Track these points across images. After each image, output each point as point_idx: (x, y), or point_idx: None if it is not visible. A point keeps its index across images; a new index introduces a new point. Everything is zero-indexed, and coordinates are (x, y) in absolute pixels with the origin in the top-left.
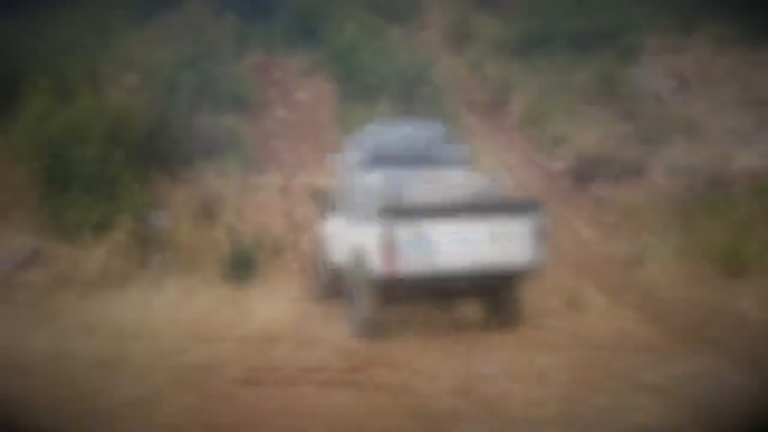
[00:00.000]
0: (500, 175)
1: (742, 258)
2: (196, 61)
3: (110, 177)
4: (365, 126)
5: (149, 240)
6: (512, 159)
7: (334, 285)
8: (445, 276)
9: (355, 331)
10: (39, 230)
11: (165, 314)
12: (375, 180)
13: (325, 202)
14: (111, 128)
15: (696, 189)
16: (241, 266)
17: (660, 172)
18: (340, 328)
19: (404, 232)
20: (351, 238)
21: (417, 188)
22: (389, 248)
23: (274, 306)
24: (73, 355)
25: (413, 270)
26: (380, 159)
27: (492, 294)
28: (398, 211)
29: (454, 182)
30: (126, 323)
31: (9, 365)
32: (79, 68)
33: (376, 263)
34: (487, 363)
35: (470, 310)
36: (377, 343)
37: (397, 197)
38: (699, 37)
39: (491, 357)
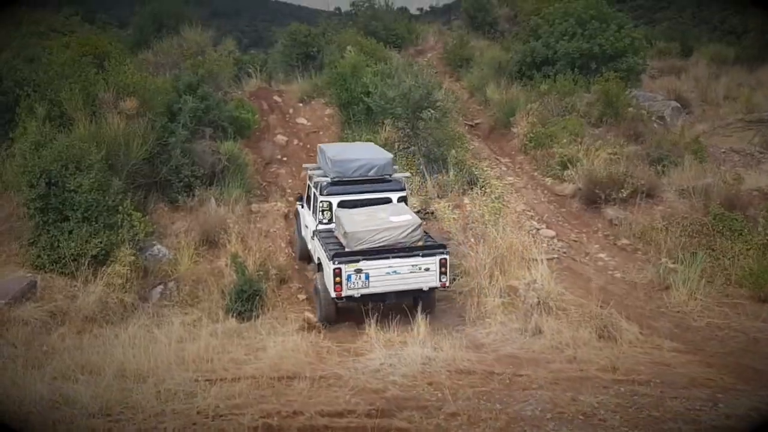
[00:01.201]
0: (424, 218)
1: None
2: (196, 86)
3: (109, 206)
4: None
5: (150, 271)
6: (519, 182)
7: (305, 253)
8: (377, 294)
9: (320, 319)
10: (35, 262)
11: (170, 352)
12: (333, 203)
13: (301, 195)
14: (109, 155)
15: (712, 210)
16: (247, 297)
17: (672, 193)
18: (356, 365)
19: (348, 268)
20: (315, 250)
21: (363, 220)
22: (338, 280)
23: (284, 340)
24: (73, 400)
25: (354, 292)
26: (337, 185)
27: (412, 301)
28: (345, 255)
29: (392, 222)
30: (129, 362)
31: (4, 411)
32: (76, 94)
33: (330, 287)
34: (527, 403)
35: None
36: (400, 381)
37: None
38: (697, 58)
39: (529, 396)
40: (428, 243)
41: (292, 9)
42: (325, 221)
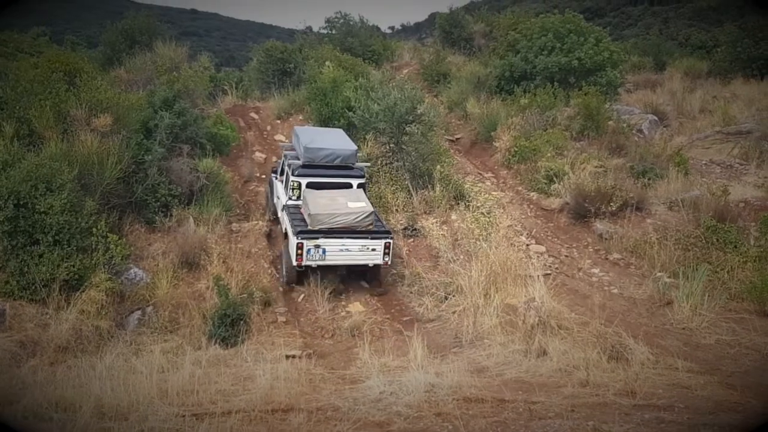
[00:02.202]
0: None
1: None
2: (173, 101)
3: (82, 228)
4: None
5: (126, 296)
6: (504, 197)
7: (275, 213)
8: (331, 266)
9: (283, 282)
10: (3, 289)
11: (151, 384)
12: (302, 183)
13: (275, 168)
14: (82, 175)
15: (704, 223)
16: (231, 322)
17: (661, 206)
18: (354, 394)
19: (309, 243)
20: (284, 221)
21: (325, 203)
22: (299, 252)
23: (272, 367)
24: None
25: (312, 263)
26: (307, 167)
27: (361, 274)
28: (307, 232)
29: (348, 208)
30: (107, 397)
31: None
32: (47, 111)
33: (292, 257)
34: None
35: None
36: (405, 412)
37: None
38: (671, 72)
39: (548, 426)
40: (378, 228)
41: (263, 28)
42: (294, 198)
